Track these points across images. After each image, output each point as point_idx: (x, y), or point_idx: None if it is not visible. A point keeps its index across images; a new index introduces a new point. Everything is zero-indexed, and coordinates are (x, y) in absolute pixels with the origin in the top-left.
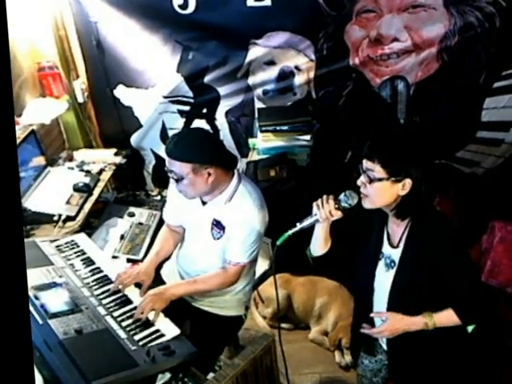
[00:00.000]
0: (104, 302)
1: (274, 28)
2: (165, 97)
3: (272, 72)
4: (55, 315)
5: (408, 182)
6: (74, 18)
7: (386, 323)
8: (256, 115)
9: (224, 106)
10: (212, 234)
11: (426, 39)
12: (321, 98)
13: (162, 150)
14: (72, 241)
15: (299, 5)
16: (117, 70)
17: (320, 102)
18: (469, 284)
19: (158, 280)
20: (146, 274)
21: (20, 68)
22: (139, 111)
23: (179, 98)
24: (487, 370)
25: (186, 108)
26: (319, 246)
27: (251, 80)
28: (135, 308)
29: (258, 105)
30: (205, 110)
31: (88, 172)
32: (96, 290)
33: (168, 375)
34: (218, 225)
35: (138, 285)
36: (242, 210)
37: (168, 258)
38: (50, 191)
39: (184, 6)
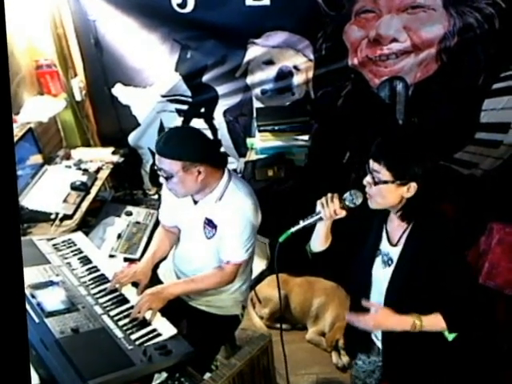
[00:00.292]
0: (101, 301)
1: (272, 27)
2: (163, 96)
3: (270, 71)
4: (52, 314)
5: (413, 186)
6: (73, 16)
7: (374, 314)
8: (254, 115)
9: (222, 106)
10: (205, 233)
11: (425, 40)
12: (319, 98)
13: None
14: (69, 239)
15: (298, 4)
16: (115, 69)
17: (318, 102)
18: (465, 288)
19: (155, 280)
20: (143, 274)
21: (18, 66)
22: (137, 110)
23: (177, 97)
24: (481, 372)
25: (184, 107)
26: (320, 242)
27: (250, 79)
28: (132, 307)
29: (257, 104)
30: (203, 110)
31: (85, 170)
32: (93, 288)
33: (164, 375)
34: (209, 224)
35: (134, 284)
36: (233, 208)
37: (165, 258)
38: (48, 189)
39: (183, 4)
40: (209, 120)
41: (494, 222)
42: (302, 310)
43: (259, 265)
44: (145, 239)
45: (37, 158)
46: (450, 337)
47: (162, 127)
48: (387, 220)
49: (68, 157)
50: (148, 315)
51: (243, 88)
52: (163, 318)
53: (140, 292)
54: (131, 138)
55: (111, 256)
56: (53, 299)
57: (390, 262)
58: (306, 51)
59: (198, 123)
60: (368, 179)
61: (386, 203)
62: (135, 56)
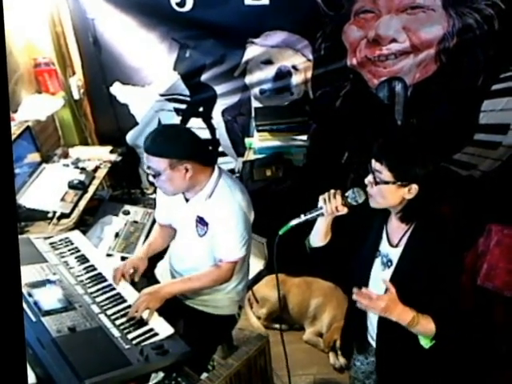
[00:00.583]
0: (98, 300)
1: (271, 27)
2: (161, 95)
3: (269, 71)
4: (48, 313)
5: (414, 187)
6: (71, 15)
7: (389, 295)
8: (253, 114)
9: (221, 105)
10: (197, 230)
11: (424, 40)
12: (318, 98)
13: None
14: (66, 238)
15: (297, 4)
16: (113, 67)
17: (317, 102)
18: (455, 295)
19: (152, 279)
20: (141, 260)
21: (16, 64)
22: (135, 109)
23: (176, 96)
24: (479, 374)
25: (183, 106)
26: (319, 238)
27: (248, 79)
28: (129, 306)
29: (255, 104)
30: (201, 109)
31: (83, 169)
32: (90, 287)
33: (161, 374)
34: (201, 221)
35: (133, 283)
36: (223, 205)
37: (162, 258)
38: (45, 188)
39: (182, 3)
40: (207, 119)
41: (492, 223)
42: (300, 310)
43: (257, 265)
44: (142, 238)
45: (34, 157)
46: (428, 344)
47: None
48: (388, 221)
49: (66, 155)
50: (145, 315)
51: (242, 87)
52: (160, 318)
53: (138, 277)
54: (129, 137)
55: (108, 255)
56: (50, 298)
57: (389, 264)
58: (304, 51)
59: (196, 122)
60: (369, 179)
61: (386, 203)
62: (134, 55)
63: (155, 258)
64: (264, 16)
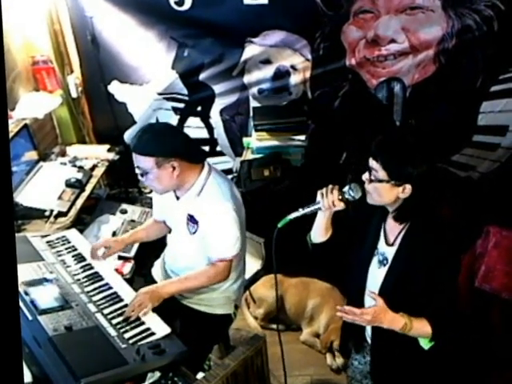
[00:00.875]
0: (94, 298)
1: (270, 27)
2: (159, 93)
3: (268, 71)
4: (45, 311)
5: (408, 187)
6: (69, 13)
7: (375, 308)
8: (251, 114)
9: (219, 104)
10: (188, 228)
11: (423, 41)
12: (316, 99)
13: None
14: (63, 237)
15: (296, 4)
16: (111, 66)
17: (315, 103)
18: (451, 296)
19: (149, 279)
20: (116, 242)
21: (14, 61)
22: (133, 107)
23: (174, 95)
24: (476, 376)
25: (181, 105)
26: (320, 233)
27: (247, 78)
28: (126, 306)
29: (253, 104)
30: (199, 108)
31: (80, 168)
32: (87, 286)
33: (158, 374)
34: (191, 219)
35: (130, 282)
36: (212, 203)
37: (158, 257)
38: (42, 186)
39: (180, 2)
40: (205, 119)
41: (490, 225)
42: (297, 310)
43: (254, 265)
44: None
45: (32, 155)
46: (427, 346)
47: None
48: (386, 219)
49: (63, 154)
50: (141, 314)
51: (240, 87)
52: (157, 318)
53: (105, 256)
54: (127, 136)
55: None
56: (46, 296)
57: (385, 262)
58: (303, 51)
59: (194, 122)
60: (366, 176)
61: (382, 201)
62: (132, 53)
63: (152, 258)
64: (263, 15)
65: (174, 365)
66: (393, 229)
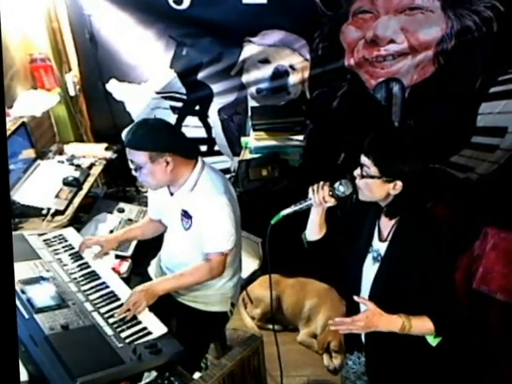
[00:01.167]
0: (91, 297)
1: (269, 26)
2: (157, 92)
3: (266, 70)
4: (41, 310)
5: (399, 184)
6: (68, 11)
7: (365, 312)
8: (249, 114)
9: (217, 104)
10: (182, 224)
11: (422, 42)
12: (315, 98)
13: None
14: (60, 235)
15: (295, 4)
16: (109, 64)
17: (314, 102)
18: (448, 291)
19: (145, 278)
20: (107, 241)
21: (12, 59)
22: (131, 106)
23: (172, 94)
24: (474, 377)
25: (179, 104)
26: (314, 231)
27: (245, 78)
28: (123, 305)
29: (252, 103)
30: (197, 107)
31: (78, 166)
32: (83, 285)
33: (154, 374)
34: (185, 215)
35: (126, 281)
36: (205, 198)
37: (155, 256)
38: (40, 184)
39: (179, 1)
40: (203, 118)
41: (488, 226)
42: (294, 311)
43: (251, 265)
44: None
45: (29, 153)
46: (434, 342)
47: None
48: (380, 216)
49: (61, 152)
50: (137, 312)
51: (238, 86)
52: (154, 317)
53: (97, 257)
54: (124, 134)
55: None
56: (43, 295)
57: (379, 258)
58: (302, 51)
59: (192, 121)
60: (357, 171)
61: (373, 197)
62: (130, 52)
63: (149, 257)
64: (262, 15)
65: (170, 364)
66: (386, 225)
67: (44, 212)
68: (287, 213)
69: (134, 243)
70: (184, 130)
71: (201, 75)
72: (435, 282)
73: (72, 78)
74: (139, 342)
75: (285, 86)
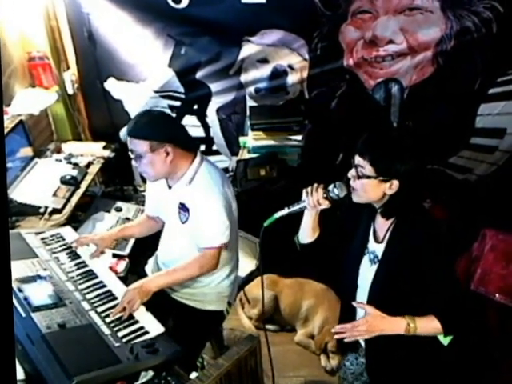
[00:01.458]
0: (88, 296)
1: (268, 26)
2: (156, 91)
3: (265, 70)
4: (38, 308)
5: (395, 183)
6: (66, 9)
7: (366, 317)
8: (247, 113)
9: (215, 103)
10: (179, 217)
11: (421, 42)
12: (313, 98)
13: None
14: (58, 234)
15: (294, 3)
16: (108, 63)
17: (312, 102)
18: (451, 290)
19: (143, 276)
20: (102, 239)
21: (10, 57)
22: (129, 105)
23: (170, 93)
24: (472, 379)
25: (177, 103)
26: (307, 233)
27: (244, 77)
28: None
29: (250, 103)
30: (196, 107)
31: (76, 165)
32: (80, 284)
33: (151, 373)
34: (183, 207)
35: (123, 280)
36: (202, 191)
37: (152, 255)
38: (37, 183)
39: (178, 0)
40: (201, 117)
41: (487, 228)
42: (292, 311)
43: (249, 265)
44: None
45: (27, 151)
46: (446, 341)
47: None
48: (375, 218)
49: (58, 150)
50: (132, 310)
51: (237, 86)
52: (151, 316)
53: (93, 256)
54: (123, 133)
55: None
56: (40, 294)
57: (375, 260)
58: (301, 50)
59: (190, 120)
60: (352, 173)
61: (368, 197)
62: (129, 50)
63: (146, 256)
64: (260, 14)
65: (167, 364)
66: (381, 226)
67: (41, 210)
68: (281, 215)
69: (131, 242)
70: None
71: (199, 74)
72: (435, 283)
73: (70, 76)
74: (136, 341)
75: (283, 85)
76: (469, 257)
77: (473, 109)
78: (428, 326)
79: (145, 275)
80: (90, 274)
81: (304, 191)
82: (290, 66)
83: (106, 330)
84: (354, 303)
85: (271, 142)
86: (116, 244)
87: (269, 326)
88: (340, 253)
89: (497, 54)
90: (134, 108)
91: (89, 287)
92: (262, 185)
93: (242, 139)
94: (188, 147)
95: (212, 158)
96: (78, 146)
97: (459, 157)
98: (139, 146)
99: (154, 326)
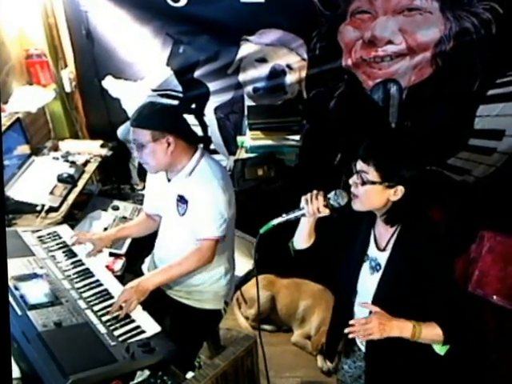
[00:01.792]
0: (85, 295)
1: (266, 25)
2: (153, 90)
3: (263, 69)
4: (35, 307)
5: (400, 189)
6: (64, 6)
7: (375, 318)
8: (245, 113)
9: (213, 102)
10: (178, 210)
11: (420, 43)
12: (312, 98)
13: None
14: (54, 232)
15: (293, 3)
16: (106, 61)
17: (311, 102)
18: (451, 292)
19: (140, 274)
20: (100, 239)
21: (8, 55)
22: (127, 103)
23: (168, 92)
24: (469, 381)
25: (175, 102)
26: (303, 239)
27: (242, 77)
28: None
29: (248, 102)
30: (194, 106)
31: (73, 163)
32: (77, 282)
33: (147, 373)
34: (181, 200)
35: (120, 279)
36: (202, 183)
37: (149, 254)
38: (34, 181)
39: None
40: (199, 116)
41: (485, 229)
42: (288, 311)
43: (246, 265)
44: None
45: (24, 149)
46: (442, 350)
47: None
48: (375, 224)
49: (56, 148)
50: (128, 309)
51: (235, 85)
52: (147, 316)
53: (90, 255)
54: (120, 132)
55: None
56: (36, 292)
57: (378, 268)
58: (299, 50)
59: (188, 119)
60: (355, 179)
61: (370, 205)
62: (127, 49)
63: (143, 255)
64: (259, 14)
65: (163, 363)
66: (383, 233)
67: (38, 208)
68: (278, 222)
69: (128, 241)
70: None
71: (197, 73)
72: (434, 285)
73: (68, 74)
74: (132, 340)
75: (282, 85)
76: (466, 258)
77: (471, 110)
78: (431, 332)
79: (141, 274)
80: (87, 273)
81: (303, 199)
82: (289, 66)
83: (102, 329)
84: (360, 304)
85: (269, 142)
86: (112, 243)
87: (266, 327)
88: (337, 258)
89: (496, 55)
90: (131, 106)
91: (85, 286)
92: (259, 185)
93: (239, 139)
94: (190, 140)
95: None
96: (75, 144)
97: (457, 158)
98: (141, 135)
99: (150, 325)
